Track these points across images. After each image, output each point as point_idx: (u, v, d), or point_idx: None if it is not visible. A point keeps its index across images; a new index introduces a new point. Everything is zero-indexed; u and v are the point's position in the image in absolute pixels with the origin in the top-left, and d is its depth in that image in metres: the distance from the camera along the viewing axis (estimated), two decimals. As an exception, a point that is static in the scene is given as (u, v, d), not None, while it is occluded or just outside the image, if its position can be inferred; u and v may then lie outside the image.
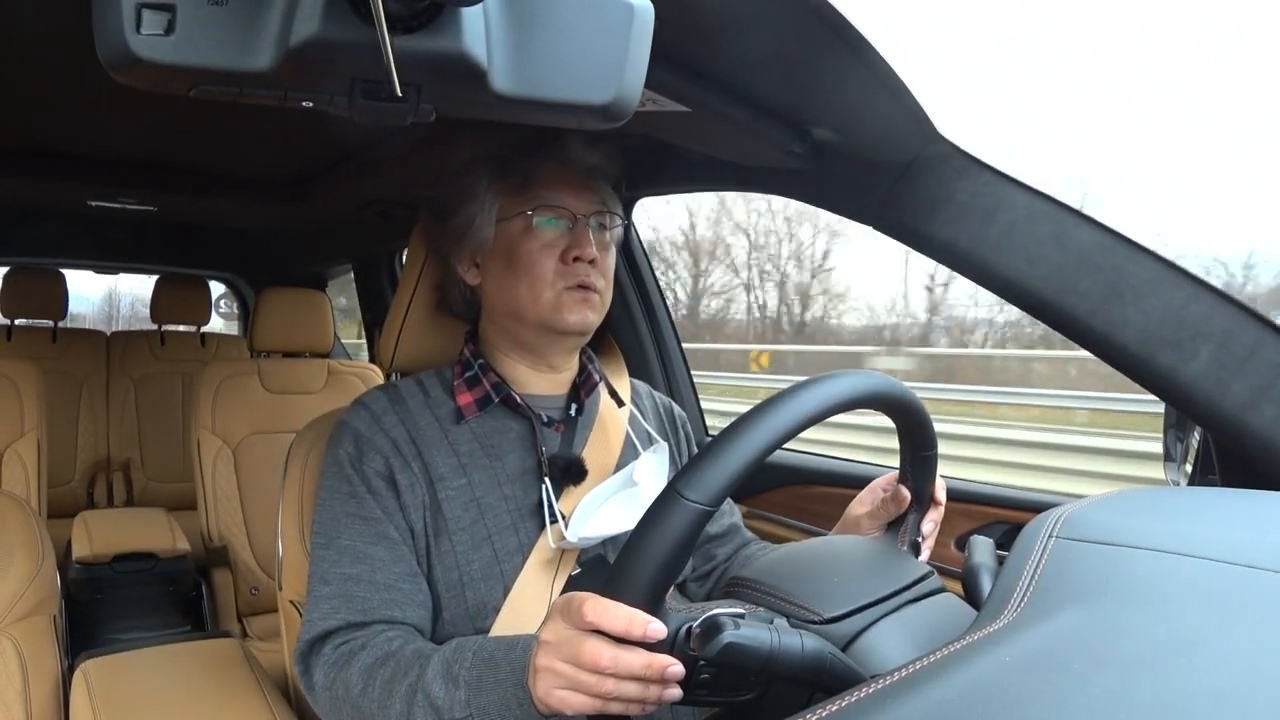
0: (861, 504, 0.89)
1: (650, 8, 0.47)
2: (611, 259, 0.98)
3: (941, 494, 0.84)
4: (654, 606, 0.58)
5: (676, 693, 0.59)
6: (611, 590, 0.58)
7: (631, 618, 0.57)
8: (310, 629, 0.85)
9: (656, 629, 0.57)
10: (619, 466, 0.98)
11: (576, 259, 0.92)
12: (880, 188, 0.94)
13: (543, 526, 0.90)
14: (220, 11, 0.39)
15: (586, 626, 0.58)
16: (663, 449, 0.98)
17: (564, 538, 0.88)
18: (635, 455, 1.00)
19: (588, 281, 0.92)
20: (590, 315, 0.93)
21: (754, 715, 0.63)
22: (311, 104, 0.44)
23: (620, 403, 1.04)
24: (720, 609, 0.60)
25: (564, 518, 0.90)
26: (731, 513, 1.11)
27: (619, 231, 1.01)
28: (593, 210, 0.95)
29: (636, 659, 0.58)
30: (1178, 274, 0.78)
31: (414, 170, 1.62)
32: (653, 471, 0.95)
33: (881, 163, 0.93)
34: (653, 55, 0.48)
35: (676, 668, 0.58)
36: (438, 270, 1.04)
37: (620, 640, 0.58)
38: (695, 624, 0.58)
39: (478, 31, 0.42)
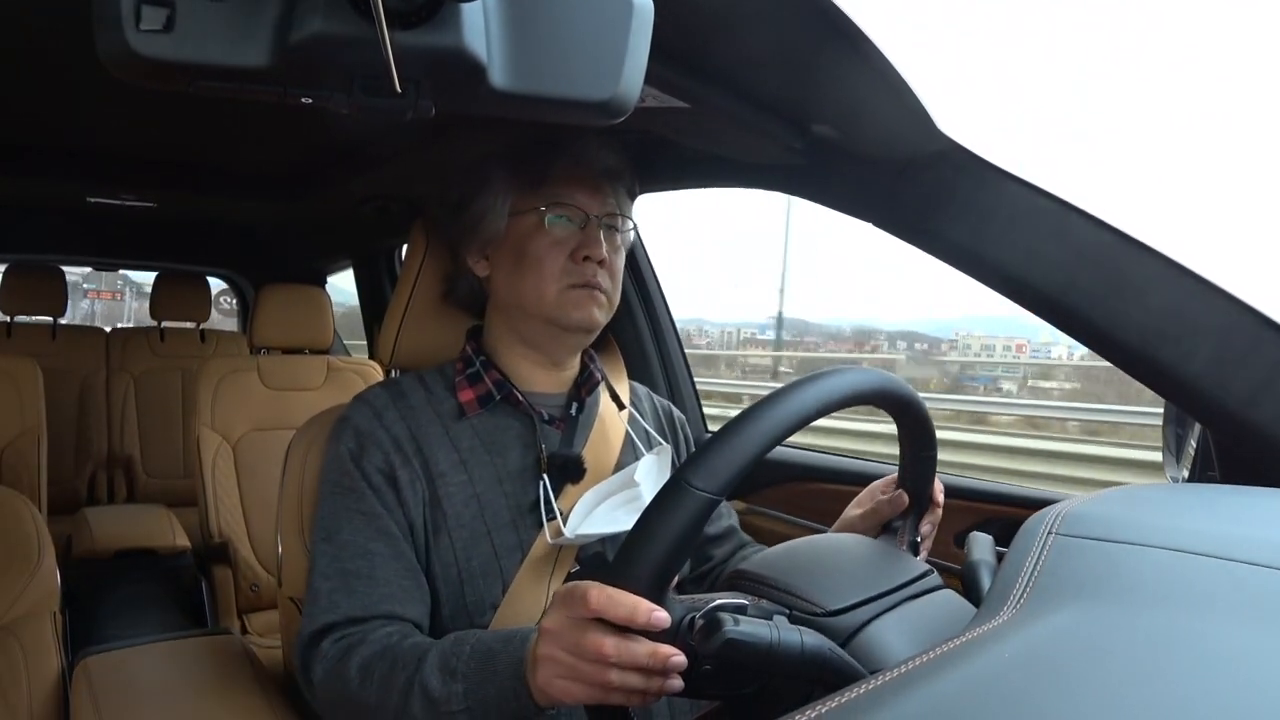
0: (860, 506, 0.89)
1: (650, 4, 0.47)
2: (620, 262, 0.98)
3: (940, 495, 0.84)
4: (658, 596, 0.57)
5: (678, 684, 0.59)
6: (616, 578, 0.58)
7: (636, 606, 0.56)
8: (310, 623, 0.85)
9: (661, 618, 0.57)
10: (618, 467, 0.98)
11: (586, 258, 0.92)
12: (881, 184, 0.93)
13: (541, 524, 0.90)
14: (219, 8, 0.39)
15: (590, 615, 0.58)
16: (666, 451, 0.98)
17: (561, 534, 0.88)
18: (634, 455, 1.00)
19: (594, 281, 0.92)
20: (596, 312, 0.94)
21: (754, 710, 0.63)
22: (311, 100, 0.44)
23: (620, 405, 1.05)
24: (723, 599, 0.60)
25: (562, 515, 0.90)
26: (729, 515, 1.11)
27: (629, 236, 1.01)
28: (605, 211, 0.95)
29: (640, 648, 0.57)
30: (1179, 271, 0.78)
31: (413, 166, 1.62)
32: (653, 473, 0.95)
33: (882, 159, 0.93)
34: (652, 51, 0.47)
35: (680, 658, 0.57)
36: (446, 262, 1.04)
37: (623, 630, 0.57)
38: (699, 615, 0.58)
39: (477, 27, 0.42)
